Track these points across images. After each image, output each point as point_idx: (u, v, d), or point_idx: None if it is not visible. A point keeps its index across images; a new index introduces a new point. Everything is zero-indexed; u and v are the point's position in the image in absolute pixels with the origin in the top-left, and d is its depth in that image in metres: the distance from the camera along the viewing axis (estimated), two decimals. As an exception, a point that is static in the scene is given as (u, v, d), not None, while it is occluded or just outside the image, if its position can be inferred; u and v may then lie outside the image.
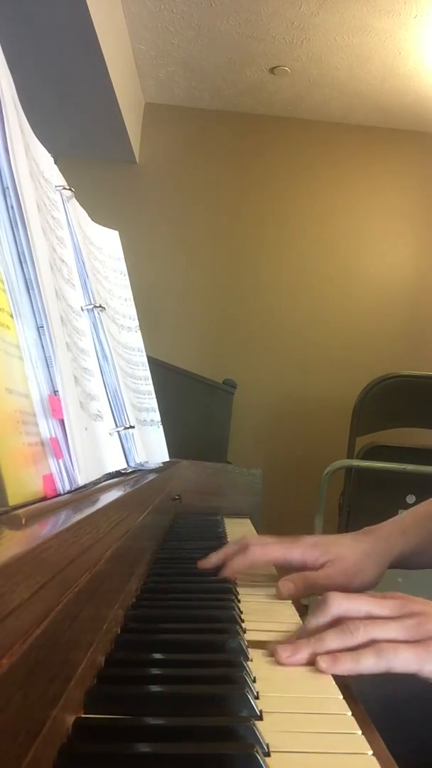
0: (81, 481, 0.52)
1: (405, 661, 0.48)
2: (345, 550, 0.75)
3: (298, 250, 3.59)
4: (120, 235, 0.99)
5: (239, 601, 0.68)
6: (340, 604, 0.54)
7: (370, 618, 0.52)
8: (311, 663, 0.50)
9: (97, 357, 0.76)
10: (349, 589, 0.72)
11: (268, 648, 0.53)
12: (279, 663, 0.50)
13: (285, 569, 0.76)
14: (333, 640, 0.50)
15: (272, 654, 0.51)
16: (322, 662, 0.48)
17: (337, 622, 0.53)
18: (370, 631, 0.50)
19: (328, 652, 0.50)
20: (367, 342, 3.50)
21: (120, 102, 2.93)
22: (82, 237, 0.81)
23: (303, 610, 0.70)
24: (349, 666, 0.48)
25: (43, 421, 0.48)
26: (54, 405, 0.49)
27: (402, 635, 0.50)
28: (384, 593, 0.56)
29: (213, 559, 0.76)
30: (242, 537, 0.78)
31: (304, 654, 0.50)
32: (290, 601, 0.72)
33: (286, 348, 3.53)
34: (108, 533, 0.48)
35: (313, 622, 0.54)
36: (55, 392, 0.50)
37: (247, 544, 0.75)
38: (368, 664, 0.48)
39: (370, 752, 0.37)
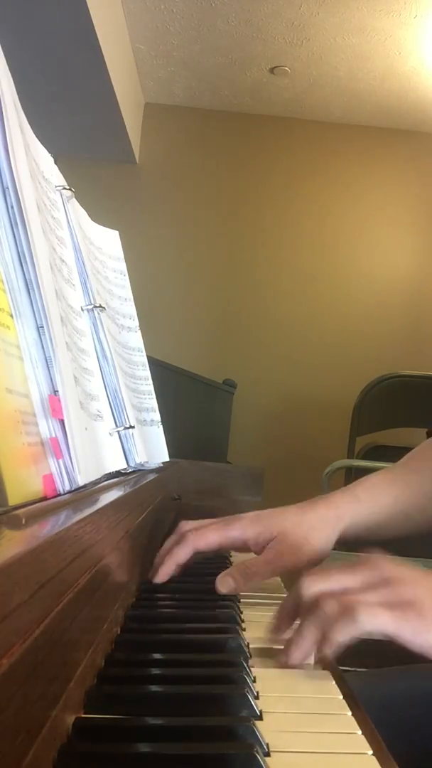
0: (81, 481, 0.52)
1: (383, 624, 0.47)
2: (288, 524, 0.70)
3: (298, 250, 3.59)
4: (120, 235, 0.98)
5: (239, 600, 0.68)
6: (312, 588, 0.52)
7: (345, 592, 0.50)
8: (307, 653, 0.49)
9: (97, 357, 0.76)
10: (299, 565, 0.68)
11: (269, 646, 0.53)
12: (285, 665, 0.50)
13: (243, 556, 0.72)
14: (311, 629, 0.49)
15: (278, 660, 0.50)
16: (295, 652, 0.48)
17: (314, 604, 0.50)
18: (348, 605, 0.48)
19: (310, 645, 0.49)
20: (367, 342, 3.50)
21: (120, 102, 2.93)
22: (82, 237, 0.81)
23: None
24: (331, 641, 0.47)
25: (43, 421, 0.48)
26: (54, 405, 0.49)
27: (378, 602, 0.48)
28: (356, 562, 0.54)
29: (160, 570, 0.69)
30: (178, 526, 0.72)
31: (296, 654, 0.49)
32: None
33: (286, 348, 3.53)
34: (108, 533, 0.48)
35: (287, 605, 0.53)
36: (55, 392, 0.50)
37: (183, 534, 0.69)
38: (345, 631, 0.46)
39: (370, 752, 0.37)
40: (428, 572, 0.52)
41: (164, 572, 0.68)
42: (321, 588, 0.51)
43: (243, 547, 0.71)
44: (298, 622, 0.53)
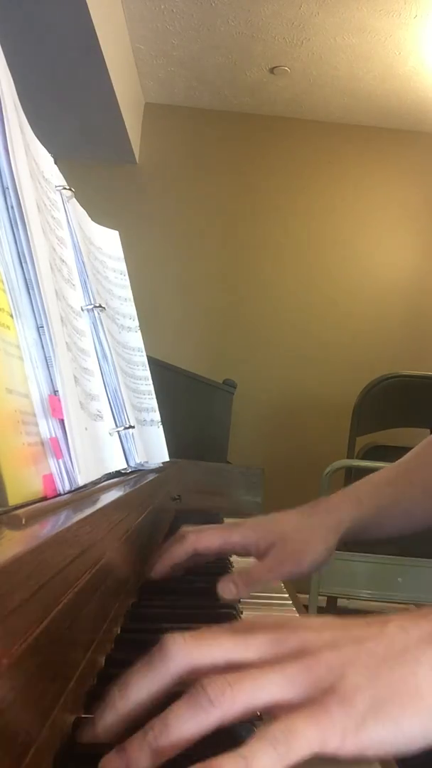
0: (81, 481, 0.52)
1: (306, 743, 0.31)
2: (288, 530, 0.69)
3: (298, 250, 3.59)
4: (120, 235, 0.98)
5: (239, 601, 0.68)
6: (183, 654, 0.34)
7: (232, 669, 0.33)
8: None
9: (97, 357, 0.76)
10: (299, 571, 0.67)
11: None
12: None
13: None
14: (184, 721, 0.31)
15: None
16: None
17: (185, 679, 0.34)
18: (239, 690, 0.32)
19: (176, 746, 0.31)
20: (367, 342, 3.51)
21: (120, 102, 2.93)
22: (82, 237, 0.81)
23: (303, 611, 0.70)
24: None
25: (43, 421, 0.48)
26: (54, 405, 0.49)
27: (285, 691, 0.33)
28: (249, 621, 0.41)
29: (156, 566, 0.68)
30: (179, 531, 0.72)
31: (142, 759, 0.31)
32: (290, 601, 0.72)
33: (286, 348, 3.53)
34: (108, 533, 0.48)
35: (142, 688, 0.34)
36: (55, 392, 0.50)
37: (183, 534, 0.69)
38: (264, 765, 0.30)
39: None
40: (342, 623, 0.37)
41: (159, 569, 0.68)
42: (198, 658, 0.34)
43: (243, 552, 0.71)
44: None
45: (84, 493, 0.51)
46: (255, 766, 0.29)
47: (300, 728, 0.31)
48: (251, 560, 0.72)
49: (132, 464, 0.81)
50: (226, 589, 0.65)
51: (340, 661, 0.34)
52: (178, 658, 0.34)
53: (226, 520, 1.30)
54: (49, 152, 0.69)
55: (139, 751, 0.31)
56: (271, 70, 3.19)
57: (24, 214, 0.51)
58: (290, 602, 0.72)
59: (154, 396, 1.00)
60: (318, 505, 0.74)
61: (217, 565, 0.79)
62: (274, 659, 0.34)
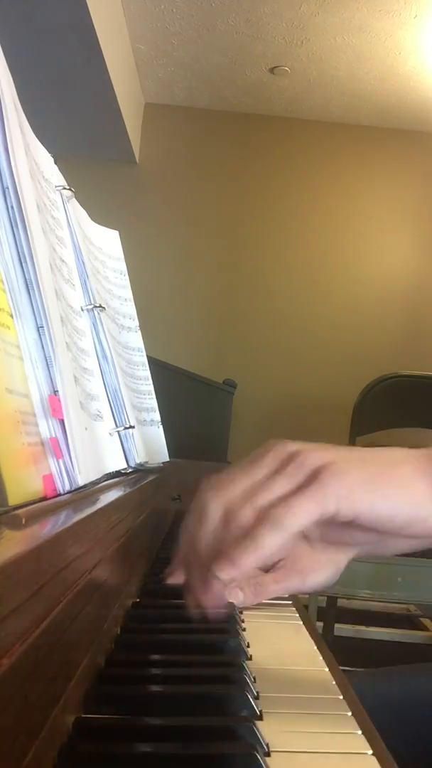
0: (81, 481, 0.52)
1: (305, 513, 0.39)
2: (298, 548, 0.69)
3: (298, 250, 3.59)
4: (120, 235, 0.98)
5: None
6: (217, 501, 0.44)
7: (254, 493, 0.43)
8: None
9: (97, 357, 0.76)
10: (302, 590, 0.68)
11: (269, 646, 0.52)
12: (200, 605, 0.42)
13: None
14: (231, 543, 0.41)
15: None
16: (222, 572, 0.39)
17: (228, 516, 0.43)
18: (256, 504, 0.41)
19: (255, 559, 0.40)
20: (367, 342, 3.51)
21: (120, 102, 2.93)
22: (82, 237, 0.81)
23: (303, 612, 0.70)
24: (250, 554, 0.39)
25: (43, 421, 0.48)
26: (54, 405, 0.49)
27: (289, 487, 0.41)
28: (256, 451, 0.47)
29: (173, 576, 0.69)
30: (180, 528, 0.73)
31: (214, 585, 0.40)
32: (290, 601, 0.72)
33: (286, 348, 3.53)
34: (108, 533, 0.48)
35: (199, 530, 0.44)
36: (55, 392, 0.50)
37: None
38: (268, 540, 0.39)
39: (370, 752, 0.37)
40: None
41: (173, 578, 0.69)
42: (228, 498, 0.43)
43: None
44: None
45: (84, 493, 0.51)
46: (261, 542, 0.38)
47: (297, 503, 0.39)
48: None
49: (132, 464, 0.81)
50: (235, 596, 0.65)
51: (330, 455, 0.42)
52: (213, 507, 0.43)
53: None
54: (49, 152, 0.69)
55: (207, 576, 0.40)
56: (271, 70, 3.19)
57: (24, 214, 0.51)
58: (290, 602, 0.72)
59: (154, 396, 1.00)
60: None
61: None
62: (277, 471, 0.42)
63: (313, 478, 0.40)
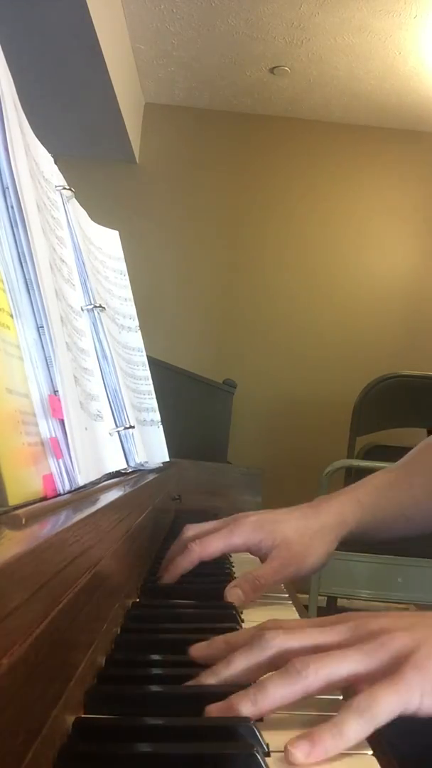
0: (81, 481, 0.52)
1: (388, 707, 0.36)
2: (290, 532, 0.70)
3: (298, 250, 3.59)
4: (120, 235, 0.98)
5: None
6: (279, 642, 0.42)
7: (319, 650, 0.41)
8: (257, 718, 0.38)
9: (97, 357, 0.76)
10: (301, 574, 0.68)
11: None
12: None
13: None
14: (277, 687, 0.38)
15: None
16: (298, 751, 0.35)
17: (277, 661, 0.41)
18: (321, 665, 0.39)
19: (271, 705, 0.38)
20: (367, 342, 3.51)
21: (120, 102, 2.93)
22: (82, 237, 0.81)
23: (303, 611, 0.70)
24: (335, 744, 0.36)
25: (43, 421, 0.48)
26: (54, 405, 0.49)
27: (363, 665, 0.39)
28: (333, 616, 0.45)
29: (164, 577, 0.70)
30: (182, 531, 0.73)
31: (246, 709, 0.38)
32: (290, 601, 0.72)
33: (286, 348, 3.53)
34: (108, 533, 0.48)
35: (243, 661, 0.42)
36: (55, 392, 0.50)
37: (186, 543, 0.69)
38: (353, 730, 0.36)
39: (370, 752, 0.37)
40: (416, 613, 0.44)
41: (167, 579, 0.70)
42: (291, 644, 0.42)
43: (245, 551, 0.72)
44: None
45: (84, 493, 0.51)
46: (347, 732, 0.36)
47: (381, 696, 0.36)
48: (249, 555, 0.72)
49: (132, 464, 0.81)
50: (234, 595, 0.66)
51: (413, 639, 0.39)
52: (274, 642, 0.42)
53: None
54: (49, 152, 0.69)
55: (241, 702, 0.38)
56: (271, 70, 3.19)
57: (24, 214, 0.51)
58: (290, 602, 0.72)
59: (154, 396, 1.00)
60: (319, 505, 0.74)
61: (216, 564, 0.79)
62: (354, 640, 0.41)
63: (394, 666, 0.38)
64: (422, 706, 0.37)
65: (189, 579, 0.71)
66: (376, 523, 0.75)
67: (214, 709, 0.38)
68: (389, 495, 0.77)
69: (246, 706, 0.38)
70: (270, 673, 0.40)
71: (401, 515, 0.77)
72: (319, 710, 0.43)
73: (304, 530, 0.70)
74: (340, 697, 0.45)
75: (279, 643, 0.42)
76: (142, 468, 0.85)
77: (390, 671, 0.38)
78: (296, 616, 0.66)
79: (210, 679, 0.42)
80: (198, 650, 0.46)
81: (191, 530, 0.72)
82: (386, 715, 0.36)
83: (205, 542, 0.69)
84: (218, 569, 0.79)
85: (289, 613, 0.67)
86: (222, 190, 3.60)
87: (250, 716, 0.37)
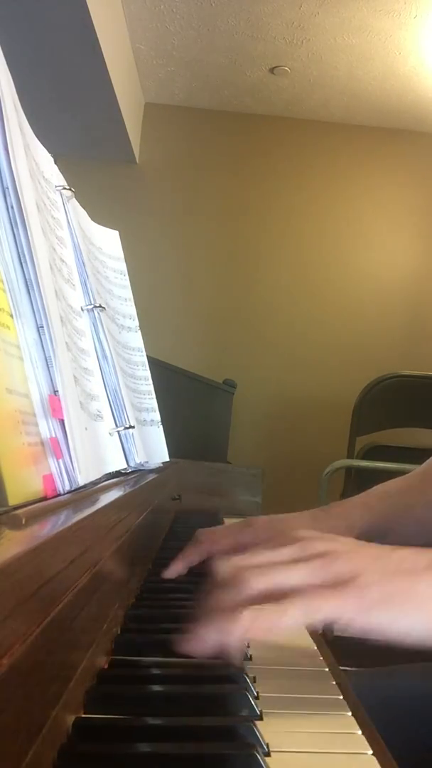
0: (81, 481, 0.52)
1: (321, 613, 0.41)
2: None
3: (299, 250, 3.59)
4: (120, 235, 0.98)
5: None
6: (229, 565, 0.46)
7: (271, 566, 0.44)
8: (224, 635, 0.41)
9: (97, 357, 0.76)
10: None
11: (269, 646, 0.52)
12: (186, 652, 0.43)
13: None
14: (229, 597, 0.42)
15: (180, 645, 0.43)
16: (246, 615, 0.40)
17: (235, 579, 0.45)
18: (269, 577, 0.43)
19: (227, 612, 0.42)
20: (367, 342, 3.51)
21: (120, 102, 2.93)
22: (82, 237, 0.81)
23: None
24: (276, 622, 0.40)
25: (43, 421, 0.48)
26: (54, 405, 0.49)
27: (309, 579, 0.42)
28: (283, 536, 0.49)
29: (171, 566, 0.71)
30: (195, 534, 0.73)
31: (211, 634, 0.42)
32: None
33: (286, 348, 3.53)
34: (108, 533, 0.48)
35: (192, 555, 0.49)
36: (55, 392, 0.50)
37: (197, 540, 0.71)
38: (293, 616, 0.40)
39: (370, 752, 0.37)
40: (362, 543, 0.48)
41: (174, 569, 0.70)
42: (239, 564, 0.46)
43: None
44: None
45: (84, 493, 0.51)
46: (290, 613, 0.40)
47: (324, 597, 0.41)
48: None
49: (132, 464, 0.81)
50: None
51: (358, 562, 0.43)
52: (223, 569, 0.45)
53: (227, 520, 1.30)
54: (49, 152, 0.69)
55: (205, 626, 0.42)
56: (271, 70, 3.19)
57: (24, 214, 0.51)
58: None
59: (154, 396, 1.00)
60: (331, 509, 0.75)
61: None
62: (304, 559, 0.44)
63: (336, 583, 0.42)
64: (353, 622, 0.41)
65: (190, 579, 0.71)
66: (386, 529, 0.76)
67: (183, 642, 0.42)
68: (401, 500, 0.77)
69: (208, 629, 0.42)
70: (219, 591, 0.44)
71: (413, 520, 0.77)
72: (320, 710, 0.43)
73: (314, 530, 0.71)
74: (340, 697, 0.45)
75: (230, 567, 0.45)
76: (142, 468, 0.85)
77: (332, 587, 0.42)
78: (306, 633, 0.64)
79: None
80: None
81: (204, 533, 0.73)
82: (323, 614, 0.41)
83: (215, 537, 0.71)
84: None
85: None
86: (222, 190, 3.60)
87: (214, 636, 0.41)
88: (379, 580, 0.42)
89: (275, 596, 0.42)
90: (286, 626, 0.41)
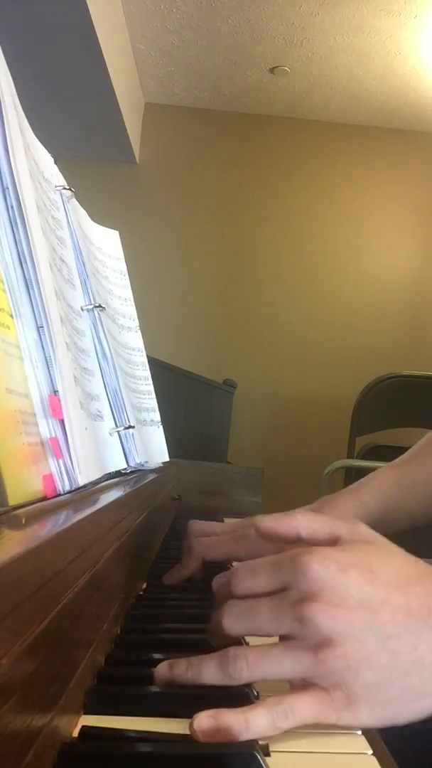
0: (81, 481, 0.52)
1: (303, 716, 0.37)
2: None
3: (298, 250, 3.59)
4: (120, 235, 0.99)
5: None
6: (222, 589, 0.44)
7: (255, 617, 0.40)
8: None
9: (97, 357, 0.76)
10: None
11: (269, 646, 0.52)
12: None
13: None
14: (209, 675, 0.39)
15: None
16: (199, 725, 0.35)
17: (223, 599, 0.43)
18: (255, 669, 0.38)
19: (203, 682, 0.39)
20: (367, 342, 3.51)
21: (120, 102, 2.93)
22: (82, 237, 0.81)
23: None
24: (236, 731, 0.36)
25: (43, 421, 0.48)
26: (54, 405, 0.49)
27: (298, 673, 0.38)
28: (279, 555, 0.42)
29: (168, 578, 0.70)
30: (188, 525, 0.71)
31: (182, 674, 0.40)
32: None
33: (286, 348, 3.53)
34: (108, 533, 0.48)
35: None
36: (55, 392, 0.50)
37: (191, 546, 0.69)
38: (260, 728, 0.36)
39: (370, 752, 0.37)
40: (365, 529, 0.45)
41: (173, 578, 0.70)
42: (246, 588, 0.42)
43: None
44: None
45: (84, 493, 0.51)
46: (253, 727, 0.35)
47: (302, 708, 0.36)
48: None
49: (132, 464, 0.81)
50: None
51: (355, 660, 0.37)
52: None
53: (227, 520, 1.30)
54: (49, 152, 0.69)
55: (181, 674, 0.40)
56: (271, 70, 3.19)
57: (24, 214, 0.51)
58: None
59: (154, 396, 1.00)
60: (322, 507, 0.74)
61: (219, 565, 0.79)
62: (298, 639, 0.38)
63: (330, 686, 0.37)
64: (335, 724, 0.37)
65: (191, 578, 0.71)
66: (379, 523, 0.75)
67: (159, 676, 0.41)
68: (393, 493, 0.77)
69: (181, 673, 0.40)
70: (209, 658, 0.40)
71: (404, 513, 0.77)
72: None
73: None
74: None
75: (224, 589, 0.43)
76: (142, 468, 0.86)
77: (322, 689, 0.37)
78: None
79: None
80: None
81: (196, 526, 0.71)
82: (297, 722, 0.36)
83: (211, 546, 0.69)
84: (219, 569, 0.79)
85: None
86: (222, 190, 3.60)
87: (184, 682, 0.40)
88: (378, 685, 0.37)
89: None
90: (249, 736, 0.36)
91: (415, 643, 0.38)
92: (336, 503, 0.75)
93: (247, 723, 0.35)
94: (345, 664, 0.37)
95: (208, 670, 0.39)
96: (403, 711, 0.37)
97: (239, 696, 0.41)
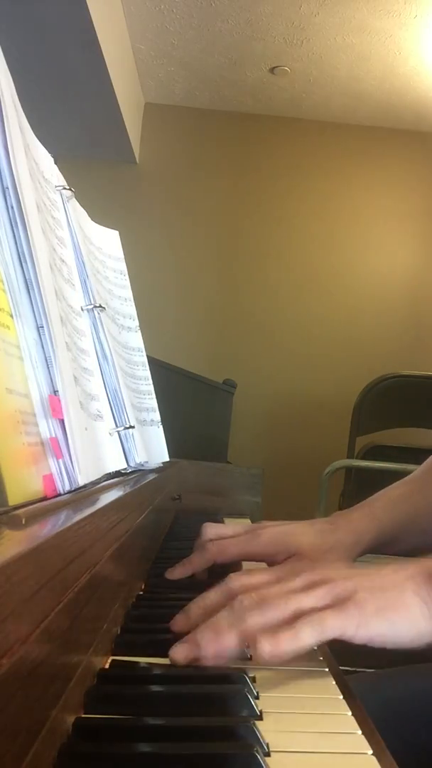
0: (81, 481, 0.52)
1: (332, 629, 0.47)
2: (306, 546, 0.71)
3: (298, 250, 3.59)
4: (120, 235, 0.99)
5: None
6: (241, 583, 0.52)
7: (285, 591, 0.50)
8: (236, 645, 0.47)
9: (97, 357, 0.76)
10: None
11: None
12: (193, 659, 0.47)
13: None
14: (255, 615, 0.48)
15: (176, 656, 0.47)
16: (266, 644, 0.45)
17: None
18: (291, 603, 0.49)
19: (248, 631, 0.47)
20: (368, 342, 3.51)
21: (120, 102, 2.93)
22: (82, 237, 0.81)
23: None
24: (291, 644, 0.46)
25: (43, 421, 0.48)
26: (54, 405, 0.49)
27: (321, 603, 0.49)
28: (279, 567, 0.56)
29: (175, 570, 0.72)
30: (202, 528, 0.74)
31: (229, 640, 0.47)
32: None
33: (286, 348, 3.53)
34: (108, 533, 0.48)
35: (212, 597, 0.52)
36: (55, 392, 0.50)
37: (204, 543, 0.71)
38: (307, 637, 0.46)
39: (370, 752, 0.37)
40: (350, 564, 0.55)
41: (178, 572, 0.70)
42: (251, 584, 0.52)
43: (259, 561, 0.72)
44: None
45: (84, 493, 0.51)
46: (302, 636, 0.46)
47: (328, 617, 0.47)
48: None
49: (132, 464, 0.81)
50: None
51: (352, 585, 0.49)
52: (234, 585, 0.52)
53: (227, 521, 1.30)
54: (49, 152, 0.69)
55: (204, 636, 0.47)
56: (271, 70, 3.19)
57: (24, 214, 0.51)
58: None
59: (154, 396, 1.00)
60: (337, 522, 0.75)
61: (222, 566, 0.78)
62: (309, 587, 0.50)
63: (339, 603, 0.48)
64: (356, 635, 0.47)
65: (189, 578, 0.71)
66: (392, 539, 0.76)
67: (179, 651, 0.47)
68: (406, 509, 0.77)
69: (228, 634, 0.47)
70: (251, 608, 0.48)
71: (418, 528, 0.77)
72: (321, 710, 0.43)
73: (320, 545, 0.71)
74: (340, 697, 0.45)
75: (241, 586, 0.52)
76: (142, 468, 0.86)
77: (335, 605, 0.48)
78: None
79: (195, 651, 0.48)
80: (178, 623, 0.52)
81: (211, 529, 0.73)
82: (331, 632, 0.46)
83: (223, 546, 0.70)
84: (224, 571, 0.79)
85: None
86: (222, 190, 3.60)
87: (235, 642, 0.47)
88: (372, 596, 0.49)
89: (286, 621, 0.47)
90: (300, 647, 0.46)
91: (389, 578, 0.51)
92: (350, 517, 0.76)
93: (297, 634, 0.46)
94: (345, 588, 0.49)
95: (304, 630, 0.46)
96: (398, 615, 0.48)
97: (238, 696, 0.41)
